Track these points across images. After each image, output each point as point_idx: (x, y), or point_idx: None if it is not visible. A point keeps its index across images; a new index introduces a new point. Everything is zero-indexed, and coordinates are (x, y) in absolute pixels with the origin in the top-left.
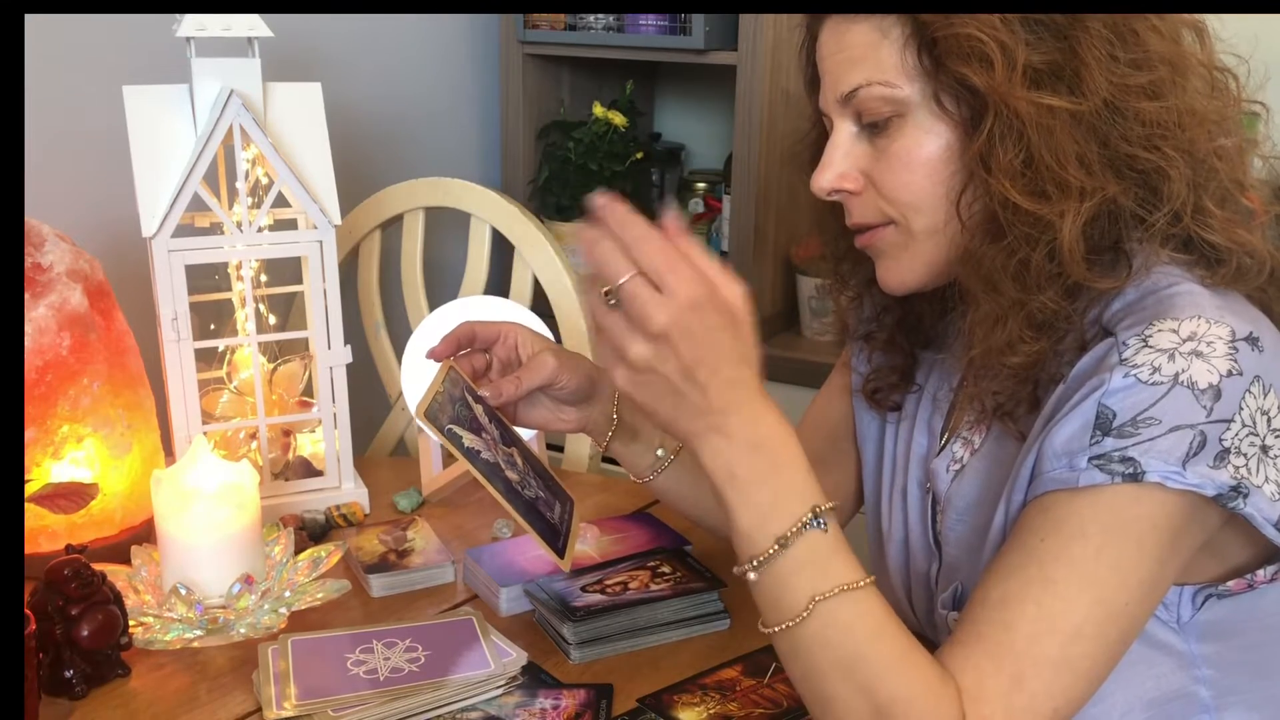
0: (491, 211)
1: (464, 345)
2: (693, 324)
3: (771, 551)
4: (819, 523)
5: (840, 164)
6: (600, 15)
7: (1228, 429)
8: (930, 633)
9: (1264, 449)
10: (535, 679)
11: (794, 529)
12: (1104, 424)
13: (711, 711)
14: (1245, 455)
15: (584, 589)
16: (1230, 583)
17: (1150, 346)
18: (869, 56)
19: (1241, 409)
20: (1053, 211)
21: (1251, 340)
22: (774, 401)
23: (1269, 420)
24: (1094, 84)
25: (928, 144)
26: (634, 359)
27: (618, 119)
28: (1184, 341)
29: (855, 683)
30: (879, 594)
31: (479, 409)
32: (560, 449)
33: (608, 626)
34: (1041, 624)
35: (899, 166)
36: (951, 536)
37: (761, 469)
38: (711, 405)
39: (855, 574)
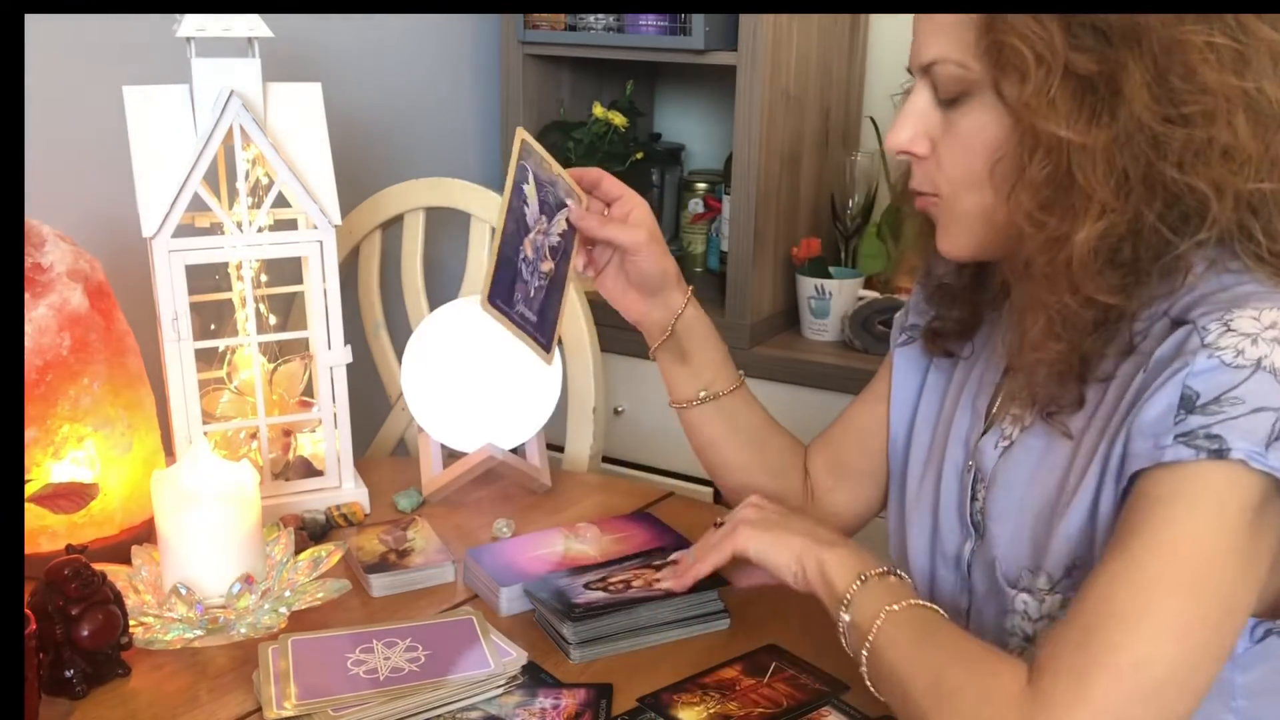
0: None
1: (587, 185)
2: (764, 504)
3: (855, 586)
4: (898, 574)
5: (911, 127)
6: (600, 15)
7: None
8: (953, 616)
9: None
10: (535, 679)
11: (878, 572)
12: (1188, 403)
13: (711, 711)
14: None
15: (587, 586)
16: None
17: (1233, 330)
18: (950, 31)
19: None
20: (1063, 228)
21: None
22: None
23: None
24: (1132, 106)
25: (991, 128)
26: (747, 516)
27: (618, 119)
28: (1266, 329)
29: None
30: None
31: (530, 191)
32: (560, 449)
33: (608, 626)
34: (1115, 581)
35: (961, 145)
36: (995, 511)
37: (849, 548)
38: (813, 524)
39: (919, 600)
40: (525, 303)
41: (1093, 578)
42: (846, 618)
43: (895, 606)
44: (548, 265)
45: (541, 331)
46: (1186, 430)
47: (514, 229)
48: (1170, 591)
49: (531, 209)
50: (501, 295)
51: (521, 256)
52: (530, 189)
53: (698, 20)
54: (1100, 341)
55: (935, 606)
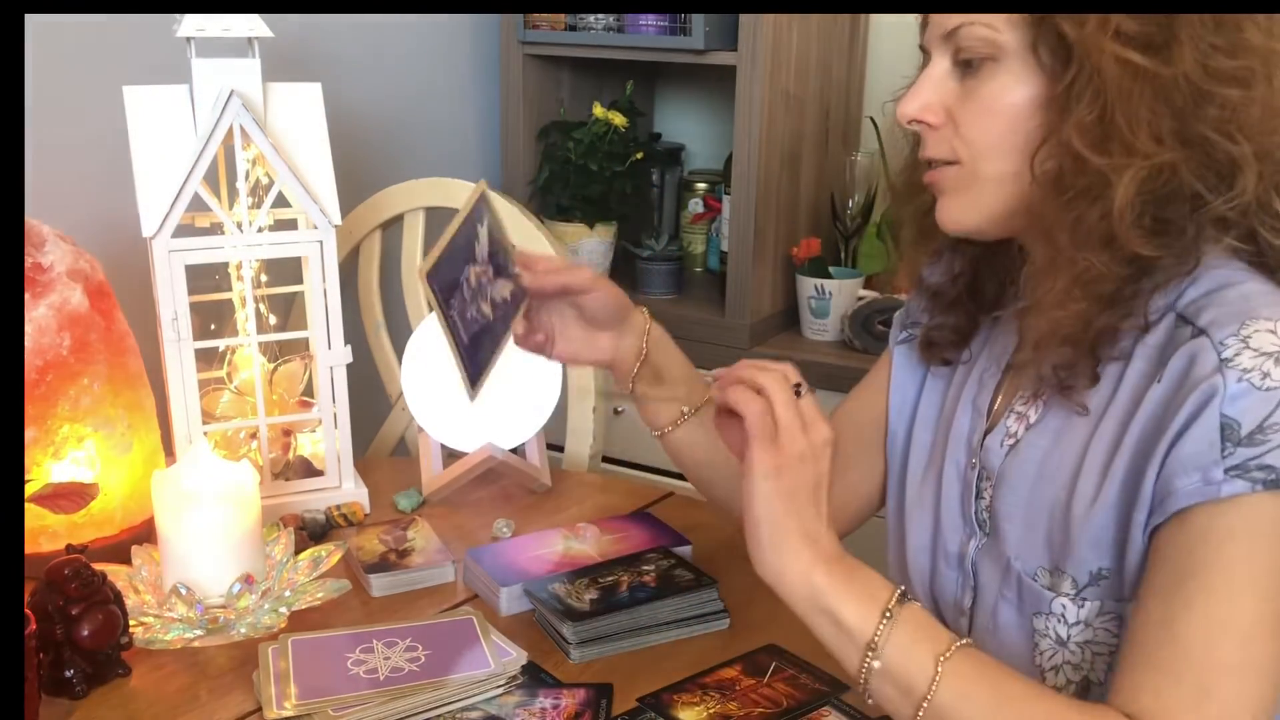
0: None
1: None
2: (829, 453)
3: (882, 627)
4: (909, 596)
5: (927, 95)
6: (600, 15)
7: None
8: (953, 616)
9: None
10: (535, 679)
11: (895, 601)
12: (1231, 435)
13: (711, 711)
14: None
15: (577, 587)
16: None
17: (1252, 349)
18: None
19: None
20: (1111, 167)
21: None
22: None
23: None
24: (1181, 59)
25: (1016, 92)
26: (798, 450)
27: (618, 119)
28: None
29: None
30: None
31: (482, 232)
32: (560, 449)
33: (608, 626)
34: (1213, 630)
35: (982, 109)
36: (1005, 510)
37: (844, 571)
38: (820, 516)
39: (953, 635)
40: (460, 317)
41: (1183, 621)
42: (877, 664)
43: (947, 655)
44: (486, 307)
45: (472, 362)
46: (1237, 463)
47: (463, 246)
48: (1267, 635)
49: (481, 248)
50: (440, 283)
51: (465, 275)
52: (484, 232)
53: (698, 20)
54: (1116, 315)
55: (967, 639)
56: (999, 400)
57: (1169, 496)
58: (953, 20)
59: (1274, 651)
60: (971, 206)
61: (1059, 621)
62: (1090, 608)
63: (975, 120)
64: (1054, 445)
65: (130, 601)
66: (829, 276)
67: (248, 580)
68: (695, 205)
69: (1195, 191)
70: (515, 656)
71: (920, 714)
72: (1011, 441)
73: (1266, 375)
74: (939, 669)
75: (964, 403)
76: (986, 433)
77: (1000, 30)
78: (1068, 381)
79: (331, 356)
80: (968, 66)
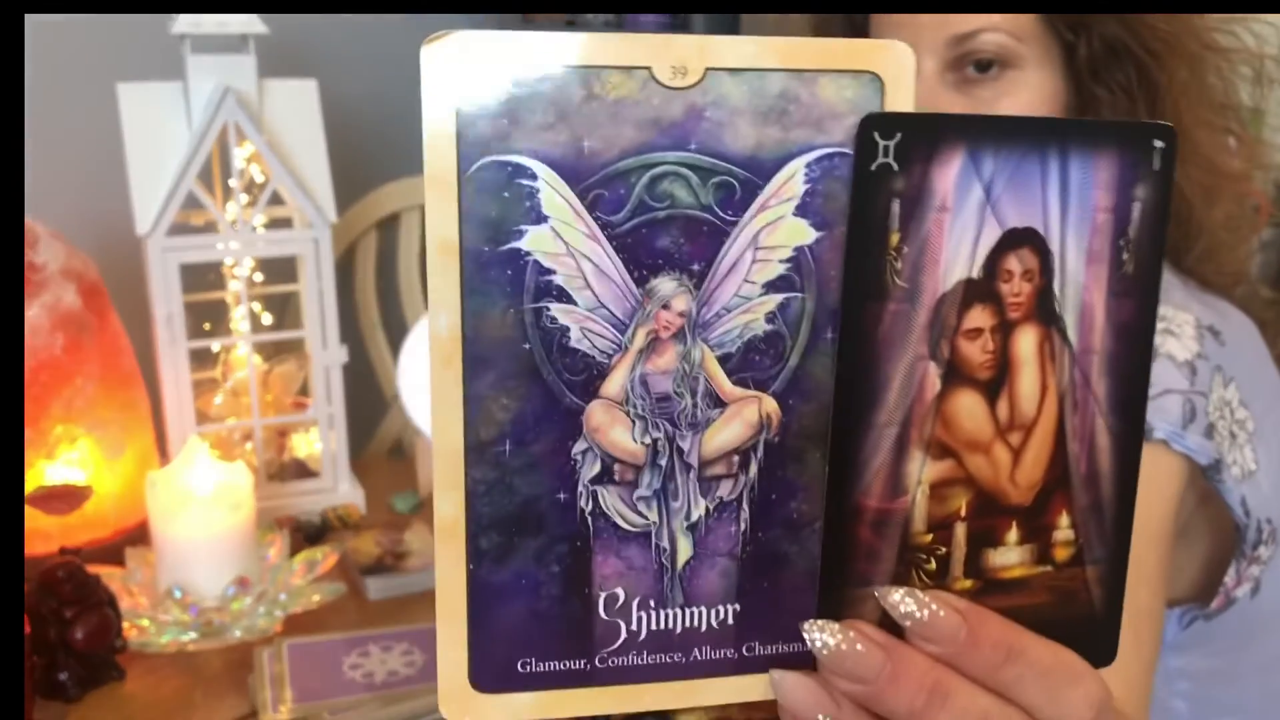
0: None
1: None
2: None
3: None
4: None
5: (925, 99)
6: (600, 15)
7: (1208, 402)
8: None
9: (1231, 435)
10: None
11: None
12: None
13: (711, 711)
14: (1221, 434)
15: None
16: (1214, 603)
17: None
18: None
19: (1210, 391)
20: (1204, 177)
21: (1213, 331)
22: None
23: (1231, 411)
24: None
25: (1044, 97)
26: None
27: None
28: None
29: None
30: None
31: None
32: None
33: None
34: (1135, 576)
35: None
36: None
37: None
38: None
39: None
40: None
41: None
42: None
43: None
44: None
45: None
46: None
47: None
48: (1163, 584)
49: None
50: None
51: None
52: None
53: (698, 20)
54: None
55: None
56: None
57: None
58: (969, 23)
59: (1159, 608)
60: None
61: None
62: None
63: None
64: None
65: (124, 604)
66: None
67: (242, 583)
68: None
69: None
70: None
71: None
72: None
73: None
74: None
75: None
76: None
77: (1022, 37)
78: None
79: (327, 356)
80: (975, 70)
